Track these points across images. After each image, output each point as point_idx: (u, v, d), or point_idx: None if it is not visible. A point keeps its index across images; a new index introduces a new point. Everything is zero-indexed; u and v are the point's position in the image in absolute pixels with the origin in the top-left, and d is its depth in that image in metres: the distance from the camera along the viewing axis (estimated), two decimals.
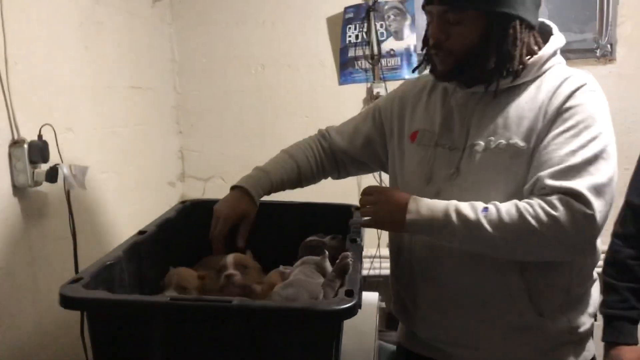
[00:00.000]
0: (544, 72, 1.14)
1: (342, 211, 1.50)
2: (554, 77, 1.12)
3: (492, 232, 1.03)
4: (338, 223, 1.41)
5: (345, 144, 1.40)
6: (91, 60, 1.81)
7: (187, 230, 1.30)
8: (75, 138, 1.65)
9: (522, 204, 1.03)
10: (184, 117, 2.67)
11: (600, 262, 1.32)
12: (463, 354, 1.20)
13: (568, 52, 2.52)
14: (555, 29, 1.20)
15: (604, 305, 1.51)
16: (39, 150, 1.40)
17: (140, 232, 1.29)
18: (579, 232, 1.01)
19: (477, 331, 1.17)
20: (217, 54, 2.62)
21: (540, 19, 1.18)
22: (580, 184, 1.02)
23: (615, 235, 1.54)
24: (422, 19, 2.54)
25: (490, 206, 1.05)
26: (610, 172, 1.04)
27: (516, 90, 1.13)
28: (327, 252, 1.22)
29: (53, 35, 1.59)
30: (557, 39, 1.18)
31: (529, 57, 1.13)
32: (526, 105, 1.11)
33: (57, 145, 1.47)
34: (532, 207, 1.02)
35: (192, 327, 0.95)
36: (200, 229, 1.31)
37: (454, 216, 1.06)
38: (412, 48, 2.48)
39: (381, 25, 2.47)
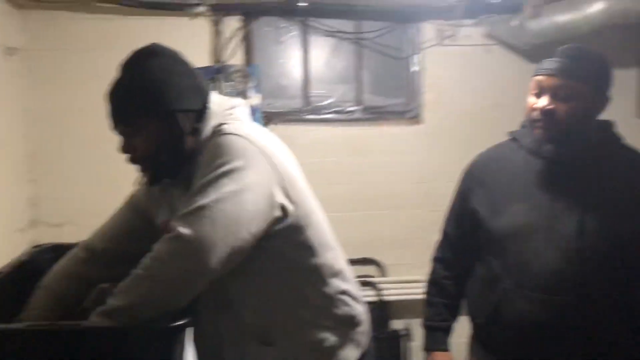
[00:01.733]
0: (209, 139, 1.16)
1: None
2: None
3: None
4: None
5: (116, 243, 1.39)
6: None
7: (39, 271, 1.47)
8: None
9: None
10: (38, 166, 2.73)
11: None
12: None
13: (386, 114, 2.98)
14: (213, 97, 1.20)
15: (424, 318, 1.76)
16: None
17: None
18: (170, 249, 1.07)
19: None
20: (69, 106, 2.73)
21: (213, 91, 1.23)
22: (174, 221, 1.08)
23: (434, 259, 1.78)
24: (267, 81, 2.88)
25: None
26: (221, 197, 1.07)
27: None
28: None
29: None
30: (214, 111, 1.18)
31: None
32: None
33: None
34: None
35: (51, 348, 1.10)
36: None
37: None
38: (257, 107, 2.77)
39: (228, 86, 2.76)
